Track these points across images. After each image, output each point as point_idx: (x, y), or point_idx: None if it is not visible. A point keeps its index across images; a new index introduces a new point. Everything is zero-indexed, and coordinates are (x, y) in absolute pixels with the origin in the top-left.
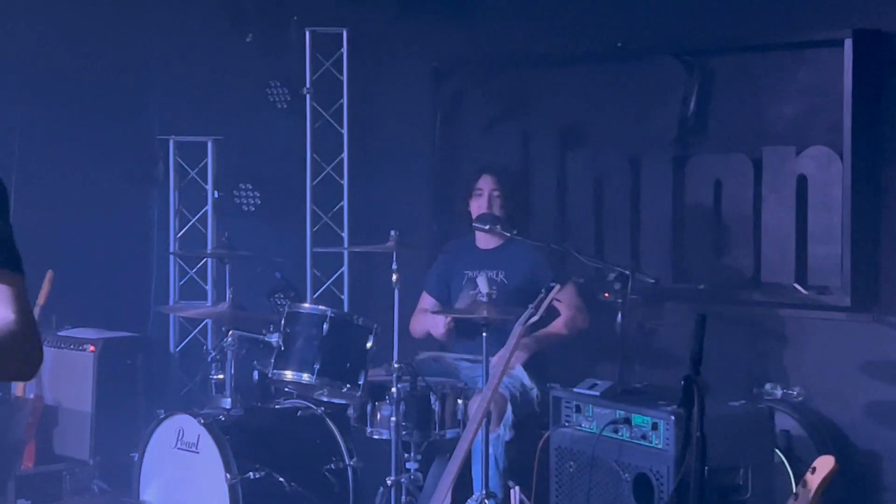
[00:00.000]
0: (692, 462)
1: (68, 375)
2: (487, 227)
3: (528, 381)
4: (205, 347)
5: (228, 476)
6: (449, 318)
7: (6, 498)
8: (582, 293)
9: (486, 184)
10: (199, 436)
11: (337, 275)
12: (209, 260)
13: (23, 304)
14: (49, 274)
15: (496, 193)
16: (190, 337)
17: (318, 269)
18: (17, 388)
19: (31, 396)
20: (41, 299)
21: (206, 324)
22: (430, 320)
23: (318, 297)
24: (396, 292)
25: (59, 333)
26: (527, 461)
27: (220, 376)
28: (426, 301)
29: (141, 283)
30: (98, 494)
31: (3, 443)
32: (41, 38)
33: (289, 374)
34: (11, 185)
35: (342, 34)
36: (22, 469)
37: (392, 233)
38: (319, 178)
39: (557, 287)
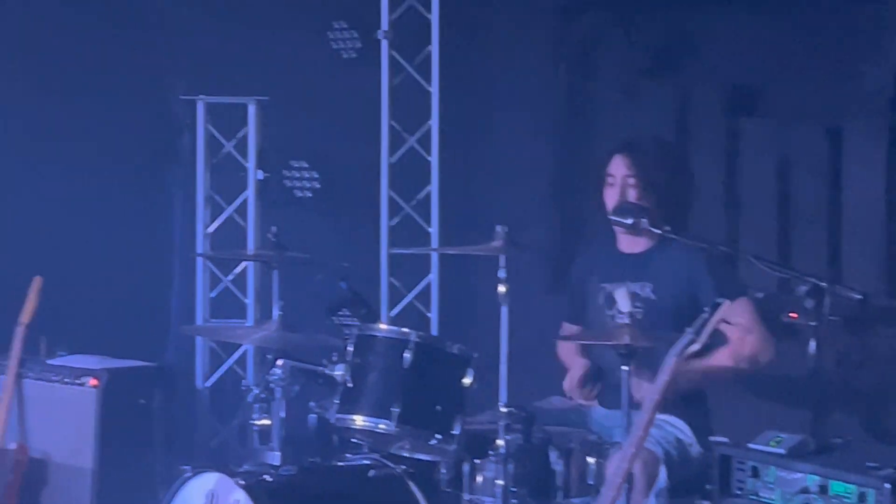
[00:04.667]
0: None
1: (62, 418)
2: (630, 221)
3: (685, 434)
4: (244, 383)
5: None
6: (584, 369)
7: None
8: (761, 312)
9: (617, 168)
10: (237, 502)
11: (422, 285)
12: (250, 264)
13: None
14: (36, 281)
15: (631, 181)
16: (224, 368)
17: (396, 278)
18: None
19: (13, 446)
20: (25, 316)
21: (245, 351)
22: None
23: (397, 315)
24: (505, 309)
25: (49, 362)
26: None
27: (266, 422)
28: (566, 327)
29: (158, 296)
30: None
31: None
32: None
33: (359, 420)
34: None
35: None
36: None
37: (498, 228)
38: (400, 153)
39: (726, 304)
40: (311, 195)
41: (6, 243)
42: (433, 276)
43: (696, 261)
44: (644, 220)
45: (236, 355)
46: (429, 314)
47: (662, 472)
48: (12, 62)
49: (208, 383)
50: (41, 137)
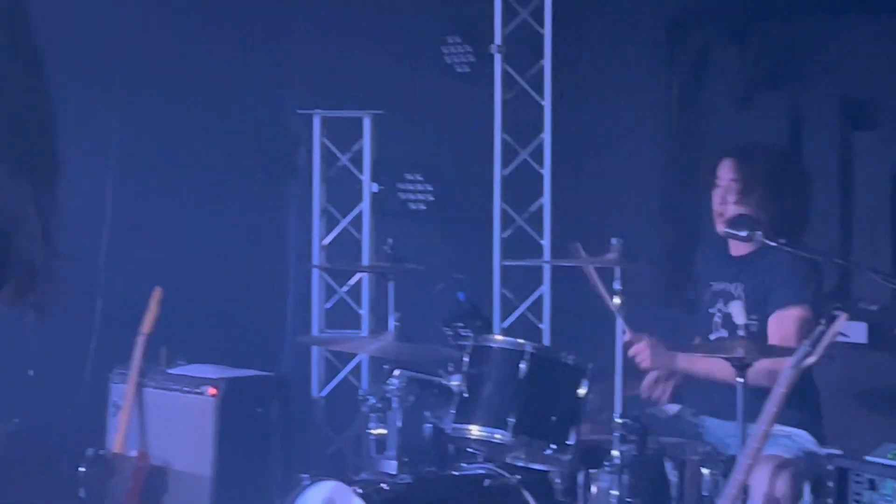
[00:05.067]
0: None
1: (182, 426)
2: (744, 233)
3: (813, 445)
4: (360, 392)
5: None
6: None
7: None
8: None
9: (725, 171)
10: None
11: (535, 296)
12: (365, 276)
13: None
14: (156, 292)
15: (734, 185)
16: (339, 378)
17: (508, 289)
18: (116, 443)
19: (134, 454)
20: (147, 326)
21: (360, 360)
22: None
23: (509, 326)
24: (620, 321)
25: (169, 371)
26: None
27: (382, 431)
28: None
29: (275, 307)
30: None
31: None
32: None
33: (474, 430)
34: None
35: None
36: None
37: (613, 241)
38: (512, 166)
39: (844, 316)
40: (425, 208)
41: (128, 255)
42: (546, 288)
43: (782, 262)
44: (759, 233)
45: (351, 365)
46: (541, 325)
47: (807, 489)
48: (135, 79)
49: (323, 393)
50: (162, 151)
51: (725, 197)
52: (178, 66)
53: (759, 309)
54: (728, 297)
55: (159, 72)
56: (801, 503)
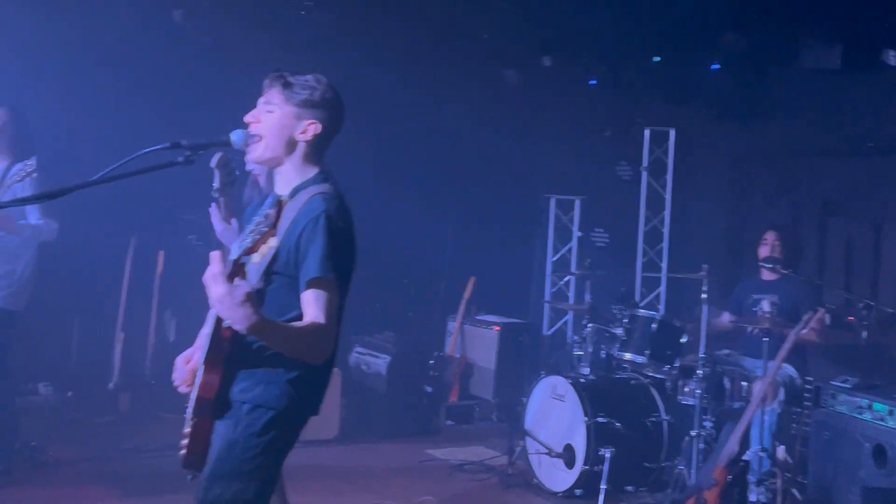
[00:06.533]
0: None
1: (481, 345)
2: (771, 266)
3: (794, 374)
4: (568, 333)
5: (586, 419)
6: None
7: (440, 419)
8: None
9: (770, 236)
10: (566, 390)
11: (656, 292)
12: (572, 277)
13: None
14: (472, 280)
15: (777, 243)
16: (558, 325)
17: (644, 288)
18: (450, 350)
19: (458, 356)
20: (467, 295)
21: (569, 316)
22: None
23: (643, 305)
24: (705, 308)
25: (476, 318)
26: (792, 429)
27: (580, 353)
28: (726, 316)
29: (526, 288)
30: (496, 423)
31: (442, 384)
32: (468, 143)
33: (628, 356)
34: (449, 227)
35: (670, 132)
36: (450, 402)
37: (704, 266)
38: (649, 226)
39: (822, 311)
40: (604, 245)
41: (458, 262)
42: (663, 287)
43: (801, 288)
44: (779, 266)
45: (563, 319)
46: (659, 306)
47: (782, 392)
48: (463, 168)
49: (549, 332)
50: (487, 216)
51: (773, 250)
52: (491, 174)
53: (792, 309)
54: (760, 301)
55: (485, 177)
56: (777, 400)
